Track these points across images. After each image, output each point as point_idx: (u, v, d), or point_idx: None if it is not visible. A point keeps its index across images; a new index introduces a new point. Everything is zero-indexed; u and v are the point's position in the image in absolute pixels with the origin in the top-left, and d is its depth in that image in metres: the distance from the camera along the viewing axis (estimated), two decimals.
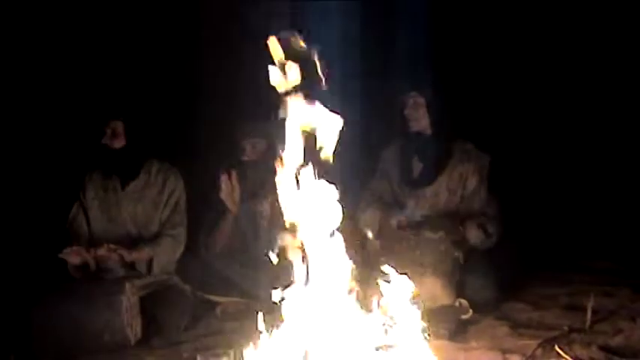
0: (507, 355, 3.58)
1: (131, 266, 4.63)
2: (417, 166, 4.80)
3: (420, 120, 4.69)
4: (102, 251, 4.50)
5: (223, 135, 5.21)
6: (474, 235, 4.62)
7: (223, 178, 4.92)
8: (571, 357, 3.41)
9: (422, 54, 5.33)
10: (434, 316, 3.77)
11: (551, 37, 6.23)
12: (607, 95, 6.20)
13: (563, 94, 6.22)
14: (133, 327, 4.26)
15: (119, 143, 4.62)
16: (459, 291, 4.38)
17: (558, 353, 3.48)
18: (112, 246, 4.53)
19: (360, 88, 5.14)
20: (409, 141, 4.79)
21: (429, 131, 4.72)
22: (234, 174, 4.93)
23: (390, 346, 2.98)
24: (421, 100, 4.66)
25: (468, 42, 5.97)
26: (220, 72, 5.16)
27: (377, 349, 2.96)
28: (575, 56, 6.21)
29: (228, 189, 4.93)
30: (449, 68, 5.27)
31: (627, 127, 6.13)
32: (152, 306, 4.44)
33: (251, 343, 3.19)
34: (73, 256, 4.49)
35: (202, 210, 5.10)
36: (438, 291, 4.25)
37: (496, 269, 4.61)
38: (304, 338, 3.03)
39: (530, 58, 6.24)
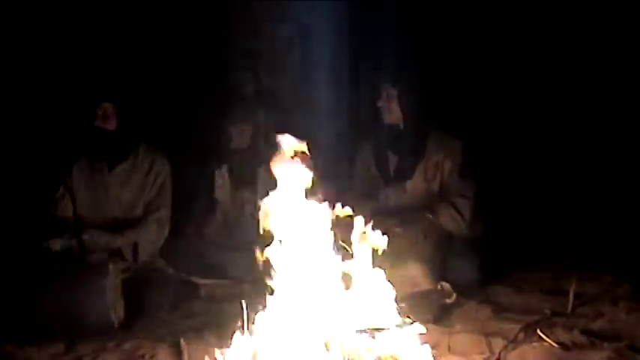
0: (490, 339, 3.55)
1: (117, 252, 4.63)
2: (393, 160, 4.77)
3: (394, 113, 4.65)
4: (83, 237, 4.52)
5: (210, 125, 5.19)
6: (446, 217, 4.59)
7: (219, 174, 5.03)
8: (553, 341, 3.38)
9: (398, 46, 5.34)
10: (418, 300, 3.77)
11: (532, 26, 6.18)
12: (583, 85, 6.16)
13: (543, 87, 6.20)
14: (116, 309, 4.24)
15: (111, 125, 4.60)
16: (443, 274, 4.36)
17: (540, 337, 3.46)
18: (94, 233, 4.57)
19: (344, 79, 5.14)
20: (382, 134, 4.76)
21: (401, 124, 4.68)
22: (226, 170, 5.02)
23: (376, 330, 2.95)
24: (393, 92, 4.62)
25: (445, 34, 5.92)
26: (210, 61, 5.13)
27: (360, 332, 2.93)
28: (559, 46, 6.16)
29: (220, 183, 5.02)
30: (426, 60, 5.22)
31: (612, 119, 6.09)
32: (135, 288, 4.41)
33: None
34: (54, 243, 4.50)
35: (190, 197, 5.12)
36: (419, 276, 4.22)
37: (480, 252, 4.64)
38: (289, 319, 3.01)
39: (511, 47, 6.17)
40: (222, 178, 5.06)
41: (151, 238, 4.70)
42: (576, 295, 4.05)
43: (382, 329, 2.97)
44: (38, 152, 5.37)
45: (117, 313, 4.22)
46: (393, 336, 2.97)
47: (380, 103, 4.65)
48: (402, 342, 2.97)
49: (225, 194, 5.07)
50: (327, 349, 2.86)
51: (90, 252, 4.57)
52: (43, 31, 5.82)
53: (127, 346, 3.81)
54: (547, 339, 3.41)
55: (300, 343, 2.90)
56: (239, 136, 5.00)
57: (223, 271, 4.82)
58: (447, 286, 4.28)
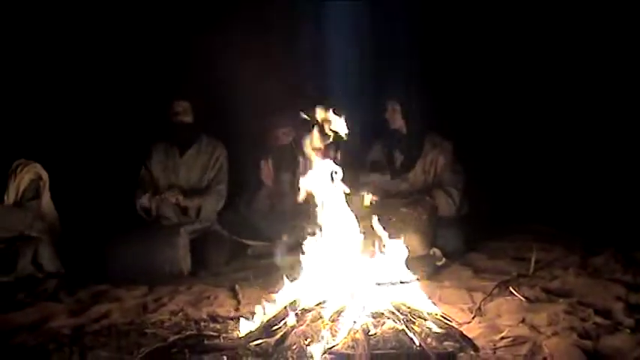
0: (472, 293, 3.67)
1: (183, 211, 4.77)
2: (399, 157, 4.92)
3: (397, 122, 4.82)
4: (169, 195, 4.68)
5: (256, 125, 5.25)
6: (442, 202, 4.72)
7: (263, 162, 5.08)
8: (521, 295, 3.49)
9: (400, 65, 5.36)
10: (414, 262, 3.87)
11: (528, 30, 5.95)
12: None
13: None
14: (185, 262, 4.40)
15: (187, 119, 4.75)
16: (434, 242, 4.48)
17: (512, 292, 3.55)
18: (175, 189, 4.72)
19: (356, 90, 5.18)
20: (390, 137, 4.91)
21: (404, 129, 4.84)
22: (270, 160, 5.08)
23: (391, 283, 3.08)
24: (397, 107, 4.80)
25: (440, 51, 5.82)
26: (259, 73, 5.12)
27: (379, 285, 3.04)
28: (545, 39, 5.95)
29: (266, 170, 5.09)
30: (425, 74, 5.23)
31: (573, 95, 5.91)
32: (199, 246, 4.58)
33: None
34: (143, 199, 4.67)
35: (242, 180, 5.20)
36: (417, 244, 4.34)
37: (463, 227, 4.73)
38: (323, 273, 3.12)
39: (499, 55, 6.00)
40: (267, 166, 5.13)
41: (212, 204, 4.84)
42: (535, 262, 4.09)
43: (395, 283, 3.09)
44: (128, 138, 5.50)
45: (186, 264, 4.39)
46: (402, 288, 3.11)
47: (386, 115, 4.82)
48: (408, 292, 3.11)
49: (269, 177, 5.14)
50: (352, 297, 2.95)
51: (162, 214, 4.72)
52: (133, 35, 5.81)
53: (195, 289, 3.97)
54: (517, 294, 3.51)
55: (331, 292, 2.99)
56: (283, 135, 5.07)
57: (266, 235, 4.89)
58: (437, 252, 4.43)
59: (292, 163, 5.01)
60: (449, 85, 5.70)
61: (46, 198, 4.60)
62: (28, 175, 4.55)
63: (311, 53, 5.32)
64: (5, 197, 4.50)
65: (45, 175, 4.60)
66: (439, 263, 4.33)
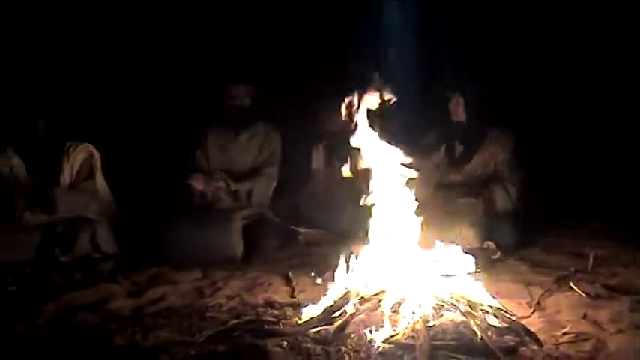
0: (529, 287, 3.59)
1: (234, 195, 4.80)
2: (459, 148, 4.88)
3: (460, 114, 4.78)
4: (217, 180, 4.72)
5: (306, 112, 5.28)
6: (499, 196, 4.67)
7: (315, 149, 5.13)
8: (582, 291, 3.43)
9: (465, 57, 5.33)
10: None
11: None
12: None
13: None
14: (239, 247, 4.43)
15: (244, 103, 4.80)
16: (489, 236, 4.44)
17: (571, 287, 3.49)
18: (223, 174, 4.76)
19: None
20: (451, 128, 4.86)
21: (465, 121, 4.80)
22: (321, 148, 5.11)
23: (452, 275, 3.07)
24: (461, 100, 4.76)
25: (500, 45, 5.84)
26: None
27: (442, 276, 3.04)
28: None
29: (317, 157, 5.12)
30: (485, 69, 5.20)
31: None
32: (252, 232, 4.59)
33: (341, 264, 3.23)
34: (198, 182, 4.69)
35: (295, 166, 5.24)
36: (471, 237, 4.34)
37: (517, 221, 4.65)
38: (382, 263, 3.10)
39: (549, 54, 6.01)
40: (318, 153, 5.15)
41: (263, 187, 4.88)
42: (593, 258, 4.03)
43: (454, 275, 3.09)
44: (185, 120, 5.55)
45: (239, 249, 4.42)
46: (462, 280, 3.10)
47: (450, 107, 4.77)
48: (467, 284, 3.10)
49: (320, 164, 5.15)
50: (412, 288, 2.94)
51: (216, 198, 4.76)
52: (189, 17, 5.90)
53: (249, 275, 4.00)
54: (578, 290, 3.45)
55: (391, 281, 2.98)
56: (331, 121, 5.05)
57: (317, 223, 4.92)
58: (492, 245, 4.39)
59: (345, 148, 4.99)
60: (511, 80, 5.66)
61: (100, 177, 4.67)
62: (81, 154, 4.64)
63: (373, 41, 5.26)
64: (60, 178, 4.59)
65: (97, 153, 4.68)
66: (494, 257, 4.28)
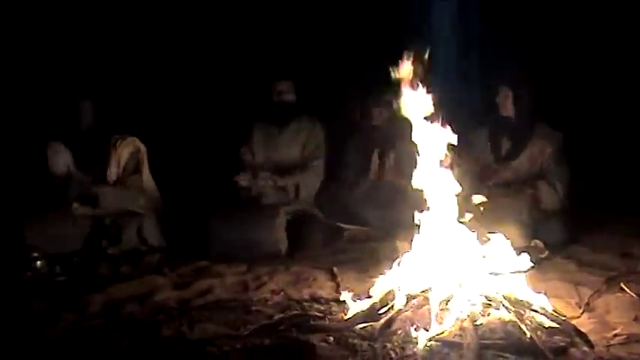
0: (578, 287, 3.52)
1: (282, 189, 4.81)
2: (506, 144, 4.77)
3: (508, 108, 4.68)
4: (262, 179, 4.73)
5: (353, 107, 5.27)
6: (546, 194, 4.58)
7: (374, 158, 5.06)
8: (634, 293, 3.33)
9: (511, 54, 5.27)
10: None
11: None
12: None
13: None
14: (283, 242, 4.44)
15: (290, 99, 4.84)
16: (535, 234, 4.36)
17: (622, 288, 3.40)
18: (267, 174, 4.76)
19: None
20: (499, 123, 4.77)
21: (514, 116, 4.70)
22: (376, 155, 5.06)
23: (499, 273, 3.04)
24: (510, 94, 4.64)
25: (546, 43, 5.76)
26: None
27: (490, 274, 3.01)
28: None
29: (376, 166, 5.08)
30: (533, 65, 5.13)
31: None
32: (296, 227, 4.59)
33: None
34: (242, 179, 4.71)
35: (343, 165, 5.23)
36: (517, 235, 4.23)
37: (565, 220, 4.56)
38: (430, 261, 3.07)
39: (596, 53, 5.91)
40: (374, 162, 5.09)
41: (310, 180, 4.87)
42: None
43: (501, 274, 3.05)
44: (233, 115, 5.61)
45: (283, 244, 4.43)
46: (511, 279, 3.05)
47: (498, 100, 4.68)
48: (515, 283, 3.05)
49: (376, 174, 5.10)
50: (460, 287, 2.92)
51: (262, 192, 4.78)
52: (235, 15, 5.98)
53: (293, 270, 4.00)
54: (629, 291, 3.36)
55: (437, 280, 2.95)
56: (379, 115, 5.05)
57: (363, 220, 4.90)
58: (539, 243, 4.30)
59: (386, 142, 4.98)
60: (559, 76, 5.59)
61: (146, 171, 4.72)
62: (127, 148, 4.68)
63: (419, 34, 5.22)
64: (108, 172, 4.65)
65: (143, 147, 4.71)
66: (542, 255, 4.18)
